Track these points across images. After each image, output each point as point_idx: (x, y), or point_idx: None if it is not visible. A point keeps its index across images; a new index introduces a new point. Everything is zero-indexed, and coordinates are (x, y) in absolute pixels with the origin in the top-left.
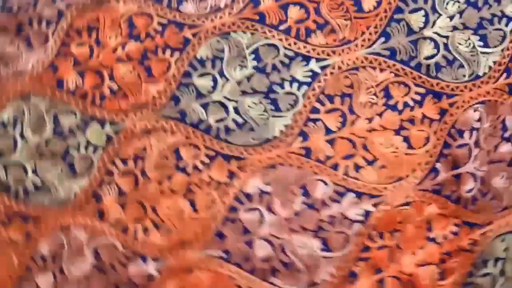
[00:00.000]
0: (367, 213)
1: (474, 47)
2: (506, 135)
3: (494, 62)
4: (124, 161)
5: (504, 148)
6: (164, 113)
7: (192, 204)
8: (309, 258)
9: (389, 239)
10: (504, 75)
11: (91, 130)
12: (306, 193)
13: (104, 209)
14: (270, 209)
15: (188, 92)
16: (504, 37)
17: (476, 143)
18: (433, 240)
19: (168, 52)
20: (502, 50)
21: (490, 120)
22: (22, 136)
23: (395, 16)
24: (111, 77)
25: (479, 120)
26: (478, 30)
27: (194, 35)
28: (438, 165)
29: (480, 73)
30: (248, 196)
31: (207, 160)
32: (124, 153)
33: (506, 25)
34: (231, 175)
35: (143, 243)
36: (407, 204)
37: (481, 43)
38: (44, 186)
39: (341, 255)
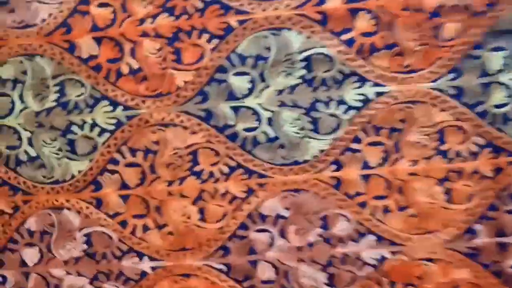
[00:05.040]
0: (382, 258)
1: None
2: None
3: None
4: (133, 152)
5: None
6: (188, 109)
7: (201, 212)
8: None
9: None
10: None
11: (99, 109)
12: (325, 226)
13: (103, 198)
14: (282, 234)
15: (220, 90)
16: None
17: None
18: None
19: (204, 37)
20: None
21: None
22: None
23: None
24: (133, 53)
25: None
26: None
27: (241, 22)
28: (477, 227)
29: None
30: (263, 217)
31: (226, 170)
32: (134, 143)
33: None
34: (249, 191)
35: (140, 240)
36: (430, 260)
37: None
38: (39, 160)
39: None
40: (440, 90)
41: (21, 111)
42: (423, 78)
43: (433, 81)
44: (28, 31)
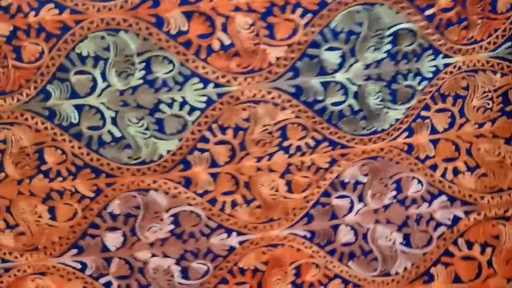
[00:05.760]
0: (456, 219)
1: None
2: None
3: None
4: (223, 129)
5: None
6: (279, 85)
7: (288, 184)
8: (388, 249)
9: (479, 252)
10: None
11: (189, 87)
12: (399, 189)
13: (192, 177)
14: (361, 199)
15: (311, 66)
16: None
17: None
18: None
19: (298, 11)
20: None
21: None
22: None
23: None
24: (224, 28)
25: None
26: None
27: None
28: None
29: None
30: (343, 184)
31: (312, 143)
32: (225, 120)
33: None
34: (332, 161)
35: (229, 217)
36: (506, 218)
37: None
38: (124, 141)
39: (421, 253)
40: (500, 58)
41: (103, 90)
42: (483, 48)
43: (492, 51)
44: (111, 4)
